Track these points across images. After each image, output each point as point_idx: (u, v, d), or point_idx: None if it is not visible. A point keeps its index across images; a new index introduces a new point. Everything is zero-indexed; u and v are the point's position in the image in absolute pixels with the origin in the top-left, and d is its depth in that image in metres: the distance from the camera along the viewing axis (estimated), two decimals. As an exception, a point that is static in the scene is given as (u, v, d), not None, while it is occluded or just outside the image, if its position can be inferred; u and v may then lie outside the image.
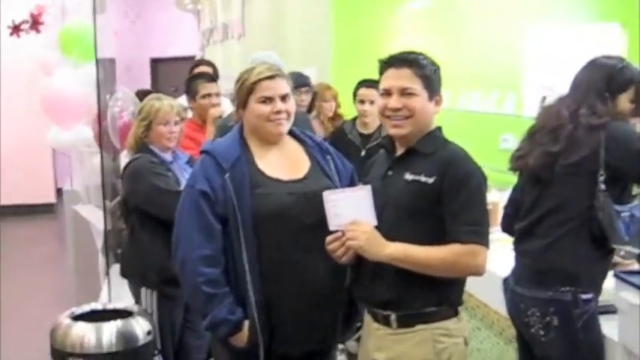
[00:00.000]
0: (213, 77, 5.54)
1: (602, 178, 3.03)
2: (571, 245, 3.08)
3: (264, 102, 3.04)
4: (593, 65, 3.22)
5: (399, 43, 5.60)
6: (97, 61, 6.08)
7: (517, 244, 3.29)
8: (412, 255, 2.74)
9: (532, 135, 3.28)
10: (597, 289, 3.10)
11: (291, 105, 3.10)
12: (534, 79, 4.19)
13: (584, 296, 3.04)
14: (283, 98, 3.07)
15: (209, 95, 5.28)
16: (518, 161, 3.32)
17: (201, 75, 5.57)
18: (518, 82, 4.71)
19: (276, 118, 3.04)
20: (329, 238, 2.85)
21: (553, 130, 3.17)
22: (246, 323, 2.97)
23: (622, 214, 3.03)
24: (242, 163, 3.02)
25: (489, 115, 4.96)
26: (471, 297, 4.00)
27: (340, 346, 3.12)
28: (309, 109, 5.92)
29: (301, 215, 2.97)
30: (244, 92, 3.07)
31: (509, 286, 3.26)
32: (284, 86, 3.09)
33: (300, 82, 5.19)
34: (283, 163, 3.11)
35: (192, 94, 5.29)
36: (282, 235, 2.96)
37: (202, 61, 7.23)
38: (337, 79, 6.50)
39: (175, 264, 3.07)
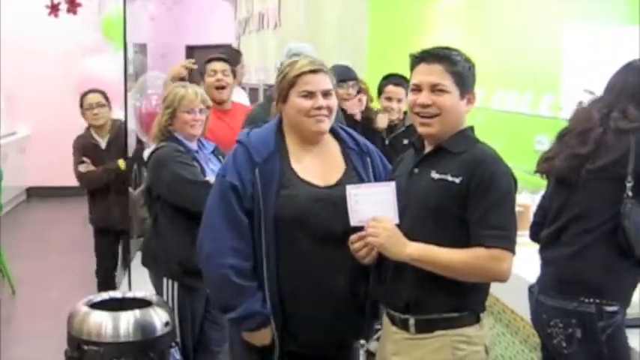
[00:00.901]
0: (224, 58, 5.43)
1: (629, 185, 2.91)
2: (597, 254, 2.96)
3: (305, 96, 2.97)
4: (629, 68, 3.10)
5: (434, 39, 5.52)
6: (126, 47, 6.16)
7: (543, 251, 3.18)
8: (433, 256, 2.66)
9: (561, 137, 3.18)
10: (625, 301, 2.98)
11: (333, 102, 3.03)
12: (573, 81, 4.10)
13: (610, 308, 2.92)
14: (325, 94, 3.00)
15: (214, 72, 5.22)
16: (545, 163, 3.22)
17: (217, 57, 5.47)
18: (555, 83, 4.62)
19: (317, 113, 2.97)
20: (353, 237, 2.79)
21: (582, 133, 3.06)
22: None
23: None
24: (275, 159, 2.97)
25: (525, 116, 4.86)
26: (497, 301, 3.92)
27: (362, 341, 3.06)
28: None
29: (326, 223, 2.91)
30: (285, 85, 3.00)
31: (534, 294, 3.17)
32: (327, 82, 3.02)
33: (347, 75, 5.12)
34: (319, 166, 3.04)
35: (204, 75, 5.27)
36: (302, 241, 2.91)
37: (224, 47, 7.19)
38: (371, 73, 6.42)
39: (200, 254, 3.02)
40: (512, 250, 2.67)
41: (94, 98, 5.98)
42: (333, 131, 3.14)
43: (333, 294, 2.92)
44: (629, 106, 2.99)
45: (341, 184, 2.96)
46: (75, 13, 8.33)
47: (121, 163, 5.86)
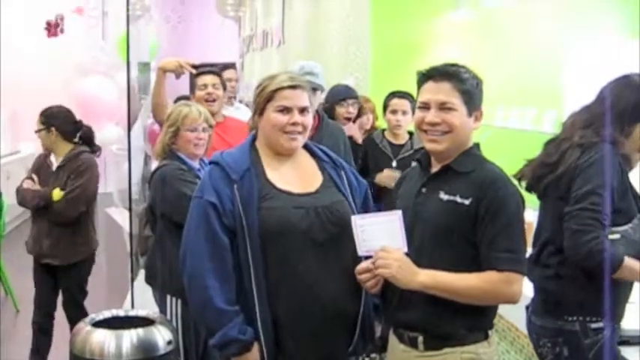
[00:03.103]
0: (215, 72, 5.41)
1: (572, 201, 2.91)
2: (572, 273, 2.96)
3: (281, 111, 2.94)
4: (627, 83, 3.06)
5: (436, 56, 5.52)
6: (129, 66, 6.09)
7: (529, 273, 3.15)
8: (446, 283, 2.63)
9: (545, 146, 3.20)
10: (613, 317, 2.96)
11: (308, 119, 3.00)
12: (576, 97, 4.08)
13: (594, 325, 2.94)
14: (302, 111, 2.97)
15: (205, 86, 5.18)
16: (523, 167, 3.25)
17: (207, 71, 5.42)
18: (558, 100, 4.61)
19: (292, 130, 2.94)
20: (359, 268, 2.76)
21: (558, 143, 3.08)
22: (256, 345, 2.86)
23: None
24: (251, 175, 2.93)
25: (527, 132, 4.85)
26: (501, 319, 3.91)
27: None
28: (354, 120, 5.88)
29: (311, 230, 2.87)
30: (263, 99, 2.98)
31: (528, 314, 3.17)
32: (304, 99, 2.99)
33: (348, 94, 5.15)
34: (295, 175, 3.01)
35: (194, 89, 5.22)
36: (289, 251, 2.85)
37: (228, 65, 7.16)
38: (375, 90, 6.44)
39: (183, 277, 2.97)
40: (524, 273, 2.66)
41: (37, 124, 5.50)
42: (306, 147, 3.12)
43: (324, 302, 2.86)
44: (609, 125, 2.97)
45: (320, 192, 2.96)
46: (56, 35, 8.32)
47: (56, 194, 5.33)
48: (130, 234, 5.81)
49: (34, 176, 5.45)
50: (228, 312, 2.84)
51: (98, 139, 6.35)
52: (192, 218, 2.95)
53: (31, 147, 12.16)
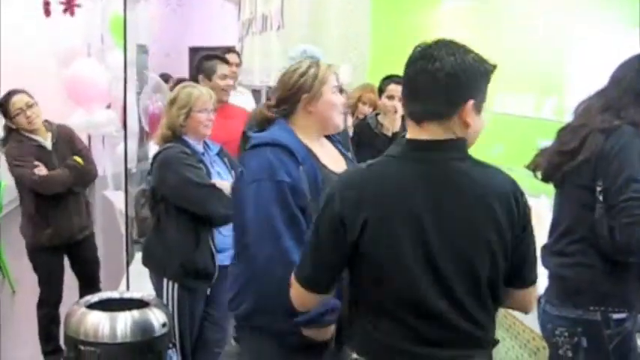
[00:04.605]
0: (226, 59, 5.41)
1: (599, 189, 2.86)
2: (596, 262, 2.90)
3: (335, 93, 3.11)
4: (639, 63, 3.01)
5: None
6: (126, 48, 6.03)
7: (546, 262, 3.11)
8: None
9: (559, 133, 3.15)
10: (634, 307, 2.90)
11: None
12: (578, 85, 4.06)
13: (616, 316, 2.87)
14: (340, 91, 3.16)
15: (225, 76, 5.22)
16: (537, 157, 3.20)
17: (220, 57, 5.42)
18: (559, 87, 4.58)
19: (343, 110, 3.17)
20: None
21: (575, 129, 3.02)
22: None
23: None
24: (309, 157, 2.99)
25: (527, 119, 4.82)
26: (507, 315, 3.89)
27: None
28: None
29: None
30: (317, 83, 3.07)
31: (541, 305, 3.12)
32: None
33: None
34: (331, 156, 3.13)
35: (208, 73, 5.18)
36: None
37: (230, 49, 7.14)
38: (373, 76, 6.40)
39: (257, 259, 2.91)
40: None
41: (20, 101, 5.36)
42: None
43: None
44: (629, 106, 2.93)
45: None
46: (72, 13, 8.29)
47: (78, 159, 5.41)
48: (126, 216, 5.79)
49: (38, 163, 5.30)
50: None
51: (89, 123, 6.35)
52: (265, 199, 2.90)
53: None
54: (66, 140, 5.50)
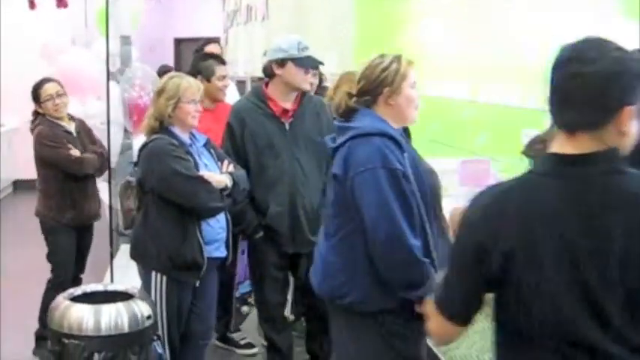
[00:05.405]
0: (225, 62, 5.49)
1: None
2: None
3: (414, 88, 3.27)
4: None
5: (421, 31, 5.47)
6: (108, 39, 6.06)
7: None
8: None
9: None
10: None
11: None
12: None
13: None
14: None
15: (224, 77, 5.25)
16: (540, 145, 3.18)
17: (216, 56, 5.52)
18: (545, 76, 4.58)
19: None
20: None
21: None
22: None
23: None
24: (405, 144, 3.21)
25: (512, 109, 4.82)
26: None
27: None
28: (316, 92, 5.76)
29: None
30: (399, 77, 3.23)
31: None
32: None
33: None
34: None
35: (207, 74, 5.18)
36: (438, 209, 3.31)
37: (212, 40, 7.13)
38: (358, 65, 6.38)
39: (376, 239, 3.10)
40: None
41: (52, 88, 5.73)
42: None
43: None
44: None
45: None
46: (65, 6, 8.28)
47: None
48: (110, 208, 5.77)
49: (70, 145, 5.63)
50: (429, 263, 3.13)
51: (81, 114, 6.36)
52: (381, 185, 3.09)
53: (14, 121, 12.09)
54: (86, 130, 5.85)
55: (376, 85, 3.24)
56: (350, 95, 3.31)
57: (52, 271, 5.73)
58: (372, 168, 3.10)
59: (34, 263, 7.63)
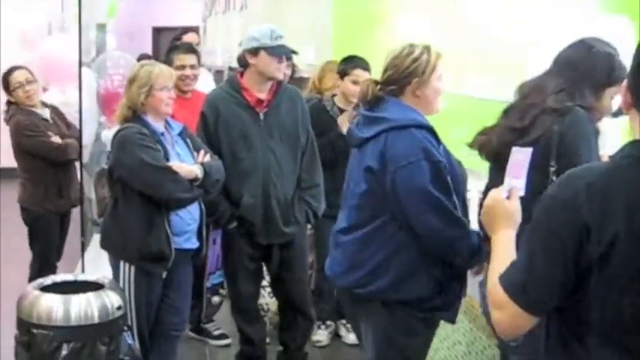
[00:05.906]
0: (192, 49, 5.41)
1: (552, 169, 2.88)
2: None
3: (440, 80, 3.30)
4: (591, 49, 3.07)
5: (400, 23, 5.44)
6: (80, 27, 6.01)
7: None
8: (494, 257, 2.29)
9: (506, 112, 3.17)
10: None
11: None
12: (542, 67, 4.05)
13: None
14: None
15: (182, 67, 5.18)
16: (481, 136, 3.24)
17: (180, 46, 5.50)
18: (522, 69, 4.57)
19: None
20: None
21: (525, 109, 3.06)
22: None
23: None
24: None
25: (490, 102, 4.81)
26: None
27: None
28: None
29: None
30: (429, 69, 3.25)
31: (482, 288, 3.13)
32: None
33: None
34: None
35: (168, 64, 5.10)
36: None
37: (189, 29, 7.07)
38: (337, 56, 6.34)
39: (432, 232, 3.15)
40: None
41: (21, 76, 5.74)
42: None
43: None
44: (585, 90, 2.97)
45: None
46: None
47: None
48: (81, 198, 5.74)
49: (50, 133, 5.65)
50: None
51: (61, 102, 6.33)
52: (423, 178, 3.10)
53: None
54: (60, 116, 5.89)
55: (405, 76, 3.24)
56: (376, 83, 3.32)
57: (35, 258, 5.76)
58: (416, 161, 3.12)
59: (7, 252, 7.62)
